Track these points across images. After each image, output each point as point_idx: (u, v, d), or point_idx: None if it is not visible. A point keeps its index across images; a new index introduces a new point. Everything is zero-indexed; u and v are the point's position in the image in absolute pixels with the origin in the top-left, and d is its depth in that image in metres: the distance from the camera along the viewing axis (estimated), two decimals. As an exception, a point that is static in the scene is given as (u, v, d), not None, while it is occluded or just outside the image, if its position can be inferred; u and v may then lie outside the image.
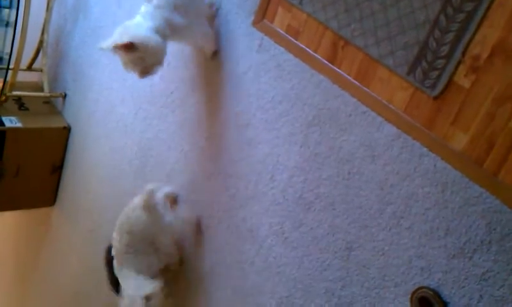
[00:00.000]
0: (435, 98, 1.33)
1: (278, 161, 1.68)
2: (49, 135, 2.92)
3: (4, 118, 2.81)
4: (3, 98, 2.82)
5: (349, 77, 1.47)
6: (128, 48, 1.60)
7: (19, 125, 2.82)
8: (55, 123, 2.94)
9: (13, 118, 2.85)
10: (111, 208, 2.60)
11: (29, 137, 2.86)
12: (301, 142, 1.60)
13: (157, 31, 1.68)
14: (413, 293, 1.36)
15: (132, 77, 1.75)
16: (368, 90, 1.43)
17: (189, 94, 2.06)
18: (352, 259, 1.49)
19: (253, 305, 1.80)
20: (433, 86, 1.33)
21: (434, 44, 1.32)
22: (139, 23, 1.68)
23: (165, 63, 1.76)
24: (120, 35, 1.63)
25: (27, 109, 2.97)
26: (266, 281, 1.76)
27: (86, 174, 2.82)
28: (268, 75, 1.70)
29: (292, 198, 1.65)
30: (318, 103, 1.55)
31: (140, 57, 1.64)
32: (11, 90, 2.83)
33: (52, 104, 3.07)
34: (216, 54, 1.93)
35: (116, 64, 2.45)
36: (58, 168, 3.02)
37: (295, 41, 1.61)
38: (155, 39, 1.66)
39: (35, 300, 3.55)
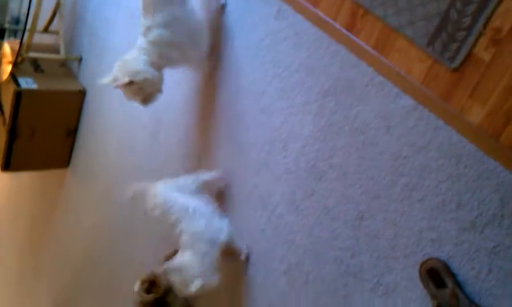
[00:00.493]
0: (454, 70, 1.31)
1: (292, 130, 1.68)
2: (64, 98, 2.94)
3: (20, 79, 2.83)
4: (19, 59, 2.83)
5: (367, 47, 1.46)
6: (128, 85, 1.76)
7: (34, 86, 2.84)
8: (70, 86, 2.95)
9: (28, 79, 2.87)
10: (123, 172, 2.63)
11: (44, 99, 2.88)
12: (316, 112, 1.60)
13: (152, 64, 1.80)
14: (422, 264, 1.37)
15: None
16: (386, 60, 1.42)
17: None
18: (362, 229, 1.50)
19: (263, 271, 1.83)
20: (452, 58, 1.32)
21: (456, 15, 1.30)
22: (136, 58, 1.79)
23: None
24: (119, 71, 1.78)
25: (42, 71, 2.99)
26: (276, 248, 1.78)
27: (100, 138, 2.85)
28: (285, 43, 1.69)
29: (305, 167, 1.65)
30: (334, 72, 1.54)
31: (139, 88, 1.78)
32: (27, 51, 2.84)
33: (68, 67, 3.08)
34: (211, 75, 2.02)
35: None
36: (73, 131, 3.05)
37: (313, 9, 1.60)
38: (151, 72, 1.79)
39: (47, 258, 3.62)
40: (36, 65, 3.01)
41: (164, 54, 1.83)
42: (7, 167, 3.01)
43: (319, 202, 1.61)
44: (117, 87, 1.78)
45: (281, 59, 1.70)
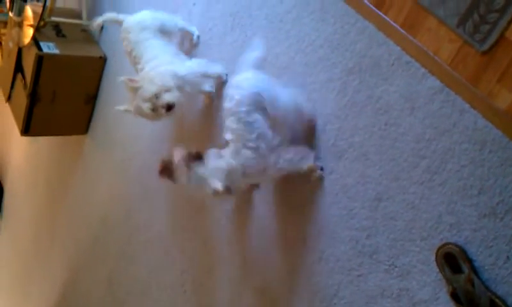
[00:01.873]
0: (483, 53, 1.28)
1: (314, 107, 1.66)
2: (85, 63, 2.93)
3: (42, 43, 2.83)
4: (42, 23, 2.83)
5: (395, 25, 1.43)
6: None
7: (56, 51, 2.84)
8: (91, 52, 2.95)
9: (50, 43, 2.87)
10: (141, 141, 2.63)
11: (65, 64, 2.88)
12: (339, 89, 1.58)
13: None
14: (439, 248, 1.36)
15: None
16: (414, 40, 1.39)
17: (227, 33, 2.03)
18: (380, 210, 1.49)
19: (279, 244, 1.83)
20: (483, 41, 1.28)
21: (489, -4, 1.26)
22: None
23: None
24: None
25: (64, 36, 2.98)
26: (291, 225, 1.78)
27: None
28: (311, 16, 1.66)
29: (325, 145, 1.64)
30: (360, 50, 1.52)
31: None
32: (49, 16, 2.84)
33: (89, 33, 3.07)
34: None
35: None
36: (92, 98, 3.06)
37: (342, -16, 1.57)
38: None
39: (64, 224, 3.67)
40: (57, 30, 3.00)
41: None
42: (27, 131, 3.04)
43: (337, 180, 1.60)
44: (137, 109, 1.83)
45: (307, 33, 1.68)
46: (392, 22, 1.44)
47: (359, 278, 1.56)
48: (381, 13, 1.47)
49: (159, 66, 1.90)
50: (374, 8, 1.48)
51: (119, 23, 2.08)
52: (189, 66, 1.93)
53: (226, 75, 2.01)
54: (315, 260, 1.68)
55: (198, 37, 2.18)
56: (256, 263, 1.92)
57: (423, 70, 1.38)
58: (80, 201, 3.40)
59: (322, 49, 1.62)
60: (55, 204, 3.83)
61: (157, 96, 1.79)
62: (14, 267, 4.94)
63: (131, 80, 1.83)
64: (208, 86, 2.02)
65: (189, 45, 2.21)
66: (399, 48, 1.42)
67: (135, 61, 2.01)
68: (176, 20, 2.14)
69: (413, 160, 1.41)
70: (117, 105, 1.90)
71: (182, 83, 1.87)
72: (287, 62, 1.75)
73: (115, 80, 2.87)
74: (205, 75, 1.99)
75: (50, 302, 3.98)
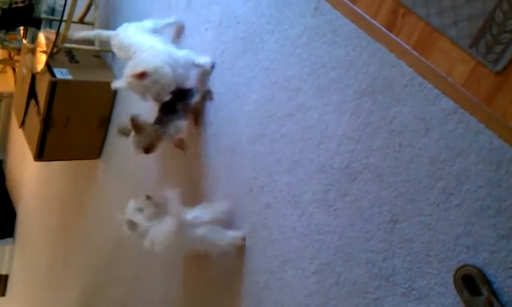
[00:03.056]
0: (497, 73, 1.28)
1: (327, 128, 1.66)
2: (98, 89, 2.97)
3: (55, 69, 2.87)
4: (55, 49, 2.87)
5: (407, 47, 1.43)
6: (142, 76, 1.92)
7: (69, 77, 2.88)
8: (104, 77, 2.98)
9: (63, 69, 2.91)
10: (153, 166, 2.65)
11: (78, 89, 2.92)
12: (352, 111, 1.58)
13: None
14: (457, 270, 1.34)
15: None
16: (426, 61, 1.39)
17: (238, 57, 2.05)
18: (396, 232, 1.48)
19: (293, 270, 1.82)
20: (496, 61, 1.28)
21: (501, 17, 1.26)
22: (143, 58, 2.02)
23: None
24: (133, 68, 1.97)
25: (77, 62, 3.02)
26: (306, 247, 1.77)
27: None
28: (322, 39, 1.67)
29: (339, 167, 1.63)
30: (373, 71, 1.52)
31: (154, 81, 1.94)
32: (63, 42, 2.88)
33: (102, 58, 3.11)
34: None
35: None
36: (105, 122, 3.08)
37: (352, 6, 1.57)
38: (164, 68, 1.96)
39: (78, 246, 3.69)
40: (70, 56, 3.05)
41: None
42: (40, 156, 3.07)
43: (352, 203, 1.60)
44: (129, 83, 1.93)
45: (318, 56, 1.68)
46: (403, 44, 1.45)
47: (376, 301, 1.55)
48: (392, 35, 1.47)
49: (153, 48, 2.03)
50: (385, 30, 1.49)
51: (110, 37, 2.19)
52: (184, 52, 2.11)
53: (213, 66, 2.16)
54: (332, 284, 1.67)
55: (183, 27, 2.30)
56: (273, 291, 1.91)
57: (436, 91, 1.38)
58: (93, 225, 3.42)
59: (335, 71, 1.63)
60: (68, 228, 3.85)
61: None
62: (27, 291, 4.95)
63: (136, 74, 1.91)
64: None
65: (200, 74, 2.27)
66: (411, 69, 1.42)
67: (126, 53, 2.08)
68: (161, 21, 2.29)
69: (428, 181, 1.40)
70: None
71: (176, 64, 1.98)
72: (298, 84, 1.76)
73: (127, 104, 2.90)
74: (195, 64, 2.15)
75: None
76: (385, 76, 1.49)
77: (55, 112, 2.90)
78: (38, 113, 2.97)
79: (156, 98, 2.01)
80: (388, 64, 1.48)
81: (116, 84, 1.95)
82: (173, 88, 1.99)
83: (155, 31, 2.24)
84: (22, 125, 3.30)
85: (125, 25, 2.19)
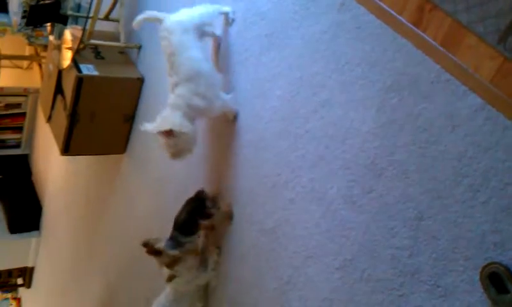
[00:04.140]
0: (526, 69, 1.27)
1: (352, 125, 1.67)
2: (123, 85, 3.01)
3: (81, 65, 2.92)
4: (81, 45, 2.92)
5: (434, 43, 1.43)
6: (168, 134, 1.99)
7: (95, 73, 2.93)
8: (129, 74, 3.03)
9: (89, 65, 2.96)
10: (177, 162, 2.67)
11: (104, 85, 2.96)
12: (377, 107, 1.58)
13: (185, 115, 2.02)
14: (484, 268, 1.34)
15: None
16: (453, 57, 1.38)
17: (262, 53, 2.06)
18: (421, 229, 1.47)
19: (316, 266, 1.83)
20: (525, 57, 1.27)
21: (531, 12, 1.25)
22: (172, 114, 2.02)
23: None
24: (161, 123, 2.01)
25: (103, 58, 3.07)
26: (330, 243, 1.78)
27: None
28: (348, 35, 1.67)
29: (364, 163, 1.63)
30: (398, 68, 1.51)
31: (174, 143, 2.02)
32: (89, 38, 2.93)
33: (127, 55, 3.16)
34: (235, 117, 2.24)
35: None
36: (130, 118, 3.13)
37: (378, 2, 1.57)
38: (188, 125, 2.02)
39: (102, 240, 3.74)
40: (96, 52, 3.10)
41: (191, 105, 2.04)
42: (67, 150, 3.12)
43: (377, 199, 1.59)
44: (157, 133, 2.01)
45: (343, 52, 1.68)
46: (430, 40, 1.44)
47: (400, 298, 1.54)
48: (418, 31, 1.46)
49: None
50: (412, 26, 1.48)
51: (159, 21, 2.12)
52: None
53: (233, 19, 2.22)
54: (356, 280, 1.67)
55: (233, 20, 2.24)
56: (297, 287, 1.92)
57: (463, 87, 1.37)
58: (118, 219, 3.47)
59: (360, 67, 1.63)
60: (93, 222, 3.91)
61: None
62: (52, 284, 5.05)
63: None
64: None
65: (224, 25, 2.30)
66: (438, 66, 1.42)
67: (171, 69, 2.08)
68: (213, 9, 2.23)
69: (454, 178, 1.39)
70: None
71: (205, 87, 2.07)
72: (323, 81, 1.76)
73: (152, 100, 2.94)
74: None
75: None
76: (411, 72, 1.48)
77: (81, 107, 2.95)
78: (65, 108, 3.02)
79: (175, 156, 2.10)
80: (414, 60, 1.47)
81: (148, 128, 2.02)
82: (194, 146, 2.11)
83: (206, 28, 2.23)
84: (49, 119, 3.36)
85: (176, 15, 2.13)
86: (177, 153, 2.08)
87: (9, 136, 5.21)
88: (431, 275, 1.45)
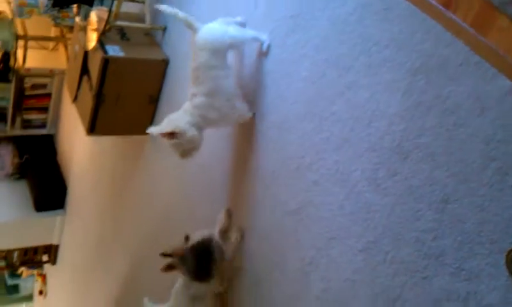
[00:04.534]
0: (559, 52, 1.25)
1: (378, 107, 1.66)
2: (148, 66, 3.03)
3: (107, 46, 2.95)
4: (107, 27, 2.95)
5: (464, 25, 1.41)
6: (171, 135, 2.06)
7: (121, 54, 2.95)
8: (154, 55, 3.05)
9: (115, 47, 2.98)
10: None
11: (129, 67, 2.99)
12: (405, 90, 1.57)
13: (194, 124, 2.10)
14: (509, 251, 1.33)
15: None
16: (484, 39, 1.37)
17: (288, 34, 2.06)
18: (447, 212, 1.47)
19: (339, 247, 1.84)
20: (558, 39, 1.25)
21: None
22: (180, 117, 2.10)
23: None
24: (166, 125, 2.08)
25: (128, 40, 3.09)
26: (353, 225, 1.78)
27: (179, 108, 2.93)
28: (375, 17, 1.66)
29: (389, 146, 1.63)
30: (427, 50, 1.50)
31: (179, 143, 2.08)
32: (115, 20, 2.95)
33: (152, 36, 3.17)
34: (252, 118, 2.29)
35: (216, 0, 2.49)
36: (155, 99, 3.15)
37: (407, -16, 1.56)
38: (192, 131, 2.08)
39: (127, 220, 3.81)
40: (122, 33, 3.12)
41: (205, 116, 2.12)
42: (92, 130, 3.16)
43: (402, 182, 1.59)
44: (162, 136, 2.08)
45: (371, 34, 1.67)
46: (460, 22, 1.42)
47: (424, 281, 1.55)
48: (448, 13, 1.45)
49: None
50: (441, 8, 1.46)
51: (193, 30, 2.12)
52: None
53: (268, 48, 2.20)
54: (379, 262, 1.68)
55: (269, 46, 2.20)
56: (319, 268, 1.94)
57: (493, 70, 1.35)
58: (142, 199, 3.52)
59: (387, 49, 1.62)
60: (117, 202, 3.97)
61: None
62: (76, 261, 5.16)
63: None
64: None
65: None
66: (467, 48, 1.40)
67: (194, 81, 2.12)
68: (250, 35, 2.23)
69: (482, 161, 1.38)
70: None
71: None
72: (350, 63, 1.75)
73: (177, 82, 2.96)
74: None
75: (110, 297, 4.13)
76: (440, 54, 1.47)
77: (107, 88, 2.98)
78: (91, 89, 3.06)
79: (183, 155, 2.15)
80: (443, 42, 1.46)
81: (152, 130, 2.10)
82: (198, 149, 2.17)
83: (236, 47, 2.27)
84: (75, 100, 3.41)
85: (208, 30, 2.12)
86: (184, 153, 2.15)
87: (35, 116, 5.30)
88: (456, 259, 1.45)
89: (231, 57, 2.24)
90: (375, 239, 1.70)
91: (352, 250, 1.79)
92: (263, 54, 2.21)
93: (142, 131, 3.27)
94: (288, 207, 2.08)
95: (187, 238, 2.32)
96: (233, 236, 2.39)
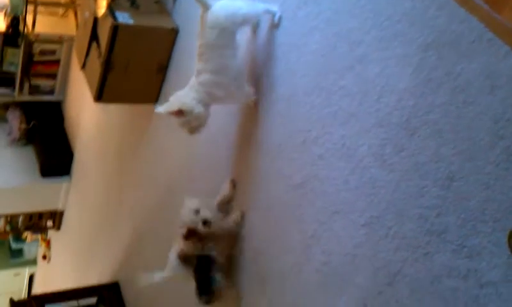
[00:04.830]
0: None
1: (388, 82, 1.65)
2: (157, 34, 3.01)
3: (117, 13, 2.93)
4: (118, -7, 2.93)
5: (478, 1, 1.39)
6: (178, 113, 2.07)
7: (131, 21, 2.94)
8: (164, 23, 3.03)
9: (125, 14, 2.96)
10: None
11: (139, 34, 2.97)
12: (416, 65, 1.56)
13: (200, 101, 2.11)
14: (512, 230, 1.34)
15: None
16: (498, 17, 1.35)
17: (300, 7, 2.04)
18: (452, 190, 1.47)
19: (342, 221, 1.85)
20: None
21: None
22: (186, 94, 2.12)
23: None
24: (172, 102, 2.10)
25: (138, 7, 3.07)
26: (357, 200, 1.79)
27: (189, 78, 2.92)
28: (389, -9, 1.64)
29: (397, 122, 1.63)
30: (440, 25, 1.49)
31: (186, 120, 2.10)
32: (125, -14, 2.93)
33: (162, 4, 3.15)
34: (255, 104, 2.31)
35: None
36: (164, 68, 3.14)
37: (423, -42, 1.53)
38: (198, 107, 2.10)
39: (132, 188, 3.83)
40: (132, 1, 3.09)
41: (211, 93, 2.13)
42: (100, 98, 3.16)
43: (408, 158, 1.59)
44: (168, 114, 2.09)
45: (384, 7, 1.66)
46: (475, -2, 1.40)
47: (425, 256, 1.56)
48: (464, -12, 1.43)
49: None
50: (457, -17, 1.44)
51: (204, 7, 2.06)
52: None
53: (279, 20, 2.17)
54: (381, 236, 1.69)
55: (280, 18, 2.17)
56: (321, 241, 1.95)
57: (506, 47, 1.34)
58: (148, 168, 3.53)
59: (400, 24, 1.60)
60: (123, 170, 4.00)
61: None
62: (81, 227, 5.21)
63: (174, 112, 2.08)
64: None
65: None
66: (481, 25, 1.39)
67: (201, 57, 2.12)
68: (260, 9, 2.19)
69: (490, 140, 1.38)
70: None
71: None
72: (361, 36, 1.74)
73: (186, 52, 2.94)
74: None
75: (114, 263, 4.18)
76: (453, 31, 1.46)
77: (115, 55, 2.97)
78: (99, 56, 3.05)
79: (191, 132, 2.19)
80: (456, 18, 1.45)
81: (160, 109, 2.11)
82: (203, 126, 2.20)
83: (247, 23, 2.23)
84: (83, 67, 3.40)
85: (220, 7, 2.06)
86: (192, 130, 2.17)
87: (43, 83, 5.29)
88: (458, 236, 1.46)
89: (240, 34, 2.22)
90: (378, 214, 1.71)
91: (354, 224, 1.80)
92: (274, 26, 2.19)
93: (149, 100, 3.29)
94: (293, 181, 2.09)
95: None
96: (234, 215, 2.42)
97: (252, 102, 2.29)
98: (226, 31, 2.07)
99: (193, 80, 2.14)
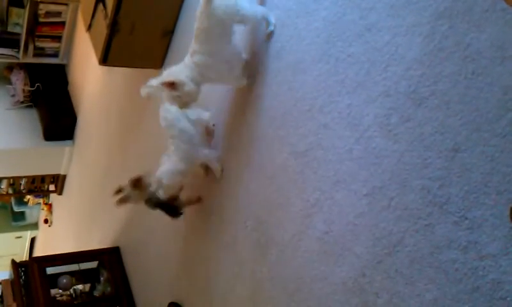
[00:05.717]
0: None
1: (397, 51, 1.63)
2: (164, -2, 2.98)
3: (124, -25, 2.89)
4: (125, -45, 2.88)
5: (494, -31, 1.37)
6: (171, 85, 2.20)
7: (138, -17, 2.90)
8: (171, -13, 2.99)
9: (133, -24, 2.92)
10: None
11: (145, -4, 2.94)
12: (426, 34, 1.54)
13: (193, 79, 2.22)
14: (515, 204, 1.34)
15: None
16: (513, -15, 1.33)
17: (311, -28, 2.01)
18: (456, 161, 1.46)
19: (344, 191, 1.85)
20: None
21: None
22: (180, 71, 2.23)
23: None
24: (166, 76, 2.24)
25: (146, -31, 3.02)
26: (361, 170, 1.79)
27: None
28: (402, -42, 1.61)
29: (405, 91, 1.61)
30: (453, -6, 1.46)
31: (178, 96, 2.23)
32: None
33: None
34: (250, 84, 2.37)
35: None
36: (169, 32, 3.11)
37: None
38: (190, 84, 2.22)
39: (134, 153, 3.83)
40: (140, -37, 3.05)
41: (204, 74, 2.23)
42: (105, 60, 3.14)
43: (414, 128, 1.58)
44: (162, 85, 2.21)
45: (396, -25, 1.63)
46: (490, -34, 1.37)
47: (426, 228, 1.56)
48: (479, -44, 1.40)
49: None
50: (472, -50, 1.41)
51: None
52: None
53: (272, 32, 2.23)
54: (383, 207, 1.69)
55: (274, 26, 2.23)
56: (323, 210, 1.95)
57: (519, 18, 1.32)
58: (150, 134, 3.53)
59: (412, -9, 1.58)
60: (126, 137, 3.99)
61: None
62: (82, 192, 5.23)
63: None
64: None
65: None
66: (495, -6, 1.36)
67: (197, 39, 2.16)
68: (260, 14, 2.22)
69: (497, 111, 1.36)
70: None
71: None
72: (372, 3, 1.71)
73: (192, 17, 2.90)
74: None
75: (116, 227, 4.21)
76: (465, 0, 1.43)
77: (122, 17, 2.94)
78: (105, 18, 3.02)
79: (183, 106, 2.29)
80: (470, -14, 1.42)
81: (152, 82, 2.27)
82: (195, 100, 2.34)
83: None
84: (89, 29, 3.37)
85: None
86: (183, 104, 2.28)
87: (48, 45, 5.26)
88: (460, 208, 1.46)
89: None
90: (381, 185, 1.71)
91: (357, 194, 1.80)
92: (267, 35, 2.25)
93: (155, 65, 3.27)
94: (296, 149, 2.08)
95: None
96: (217, 164, 2.59)
97: (244, 87, 2.37)
98: (224, 23, 2.12)
99: (188, 59, 2.23)
